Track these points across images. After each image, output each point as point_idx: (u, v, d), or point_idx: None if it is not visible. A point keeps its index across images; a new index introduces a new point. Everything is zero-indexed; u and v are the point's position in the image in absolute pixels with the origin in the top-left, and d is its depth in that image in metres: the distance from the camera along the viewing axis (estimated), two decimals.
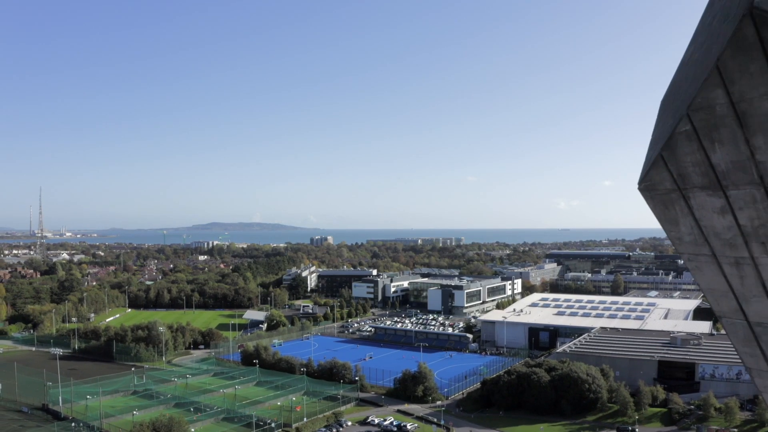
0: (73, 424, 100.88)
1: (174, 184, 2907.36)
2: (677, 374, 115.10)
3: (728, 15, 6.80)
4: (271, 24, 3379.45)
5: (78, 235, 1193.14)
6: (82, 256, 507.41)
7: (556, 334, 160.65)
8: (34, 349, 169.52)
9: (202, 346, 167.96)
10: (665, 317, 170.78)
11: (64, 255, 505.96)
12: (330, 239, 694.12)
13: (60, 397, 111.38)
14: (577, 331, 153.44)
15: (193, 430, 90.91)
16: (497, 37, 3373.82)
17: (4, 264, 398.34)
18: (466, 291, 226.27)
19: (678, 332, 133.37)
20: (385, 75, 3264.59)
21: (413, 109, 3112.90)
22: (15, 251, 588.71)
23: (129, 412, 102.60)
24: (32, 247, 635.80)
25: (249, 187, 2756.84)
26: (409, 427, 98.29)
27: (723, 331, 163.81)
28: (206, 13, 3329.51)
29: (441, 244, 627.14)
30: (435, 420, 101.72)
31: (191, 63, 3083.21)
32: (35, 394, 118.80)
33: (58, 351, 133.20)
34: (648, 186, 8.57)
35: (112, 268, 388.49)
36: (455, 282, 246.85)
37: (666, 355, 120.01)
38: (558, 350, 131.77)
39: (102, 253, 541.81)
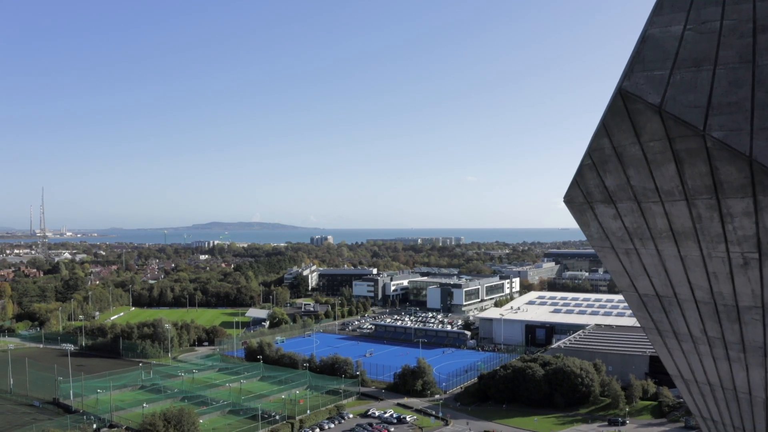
0: (84, 417, 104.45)
1: (174, 184, 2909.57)
2: (665, 369, 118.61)
3: (617, 88, 10.71)
4: (272, 24, 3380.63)
5: (78, 235, 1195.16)
6: (84, 255, 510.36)
7: (552, 331, 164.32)
8: (41, 346, 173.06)
9: (206, 343, 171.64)
10: None
11: (66, 254, 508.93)
12: (330, 239, 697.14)
13: (71, 392, 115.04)
14: (573, 328, 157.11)
15: (201, 421, 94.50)
16: (498, 37, 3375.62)
17: (6, 263, 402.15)
18: (464, 289, 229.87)
19: None
20: (385, 75, 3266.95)
21: (413, 109, 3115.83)
22: (16, 251, 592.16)
23: (138, 405, 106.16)
24: (33, 247, 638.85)
25: (249, 186, 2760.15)
26: (408, 419, 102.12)
27: None
28: (206, 14, 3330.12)
29: (441, 244, 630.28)
30: (433, 413, 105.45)
31: (191, 63, 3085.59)
32: (46, 388, 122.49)
33: (70, 347, 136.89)
34: (569, 200, 12.49)
35: (114, 267, 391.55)
36: (454, 281, 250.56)
37: None
38: (553, 346, 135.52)
39: (103, 253, 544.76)
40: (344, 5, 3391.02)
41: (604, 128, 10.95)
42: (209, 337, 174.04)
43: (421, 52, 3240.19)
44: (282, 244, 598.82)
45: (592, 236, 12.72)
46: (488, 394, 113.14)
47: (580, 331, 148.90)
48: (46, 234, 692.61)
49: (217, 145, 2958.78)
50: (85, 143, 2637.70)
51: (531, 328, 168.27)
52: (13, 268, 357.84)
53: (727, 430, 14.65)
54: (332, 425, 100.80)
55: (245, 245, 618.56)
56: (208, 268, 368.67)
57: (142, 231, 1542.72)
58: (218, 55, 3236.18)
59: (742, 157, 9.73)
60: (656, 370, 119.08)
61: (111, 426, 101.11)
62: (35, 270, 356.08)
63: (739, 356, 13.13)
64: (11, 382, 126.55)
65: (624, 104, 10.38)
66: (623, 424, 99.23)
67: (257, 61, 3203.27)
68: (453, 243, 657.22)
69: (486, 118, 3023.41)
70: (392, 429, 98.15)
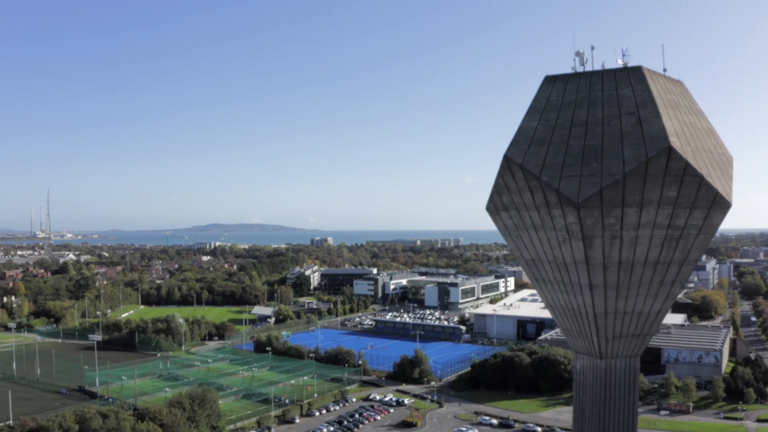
0: (110, 401, 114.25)
1: (174, 185, 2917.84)
2: (645, 358, 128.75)
3: (504, 155, 21.53)
4: (272, 25, 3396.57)
5: (79, 237, 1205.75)
6: (88, 256, 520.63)
7: (542, 325, 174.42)
8: (60, 341, 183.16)
9: (216, 338, 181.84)
10: None
11: (71, 255, 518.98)
12: (330, 240, 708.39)
13: (97, 379, 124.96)
14: None
15: (220, 402, 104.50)
16: (498, 38, 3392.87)
17: (13, 264, 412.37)
18: (461, 288, 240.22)
19: None
20: (384, 77, 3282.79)
21: (413, 111, 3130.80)
22: (20, 252, 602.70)
23: (159, 391, 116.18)
24: (36, 248, 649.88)
25: (249, 188, 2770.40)
26: (406, 401, 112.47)
27: (693, 322, 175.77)
28: (207, 14, 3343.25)
29: (439, 245, 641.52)
30: (429, 397, 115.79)
31: (191, 64, 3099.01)
32: (71, 377, 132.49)
33: (97, 338, 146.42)
34: (488, 209, 23.10)
35: (119, 267, 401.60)
36: (451, 280, 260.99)
37: None
38: (541, 338, 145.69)
39: (106, 254, 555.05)
40: (344, 6, 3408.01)
41: (500, 174, 21.46)
42: (219, 332, 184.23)
43: (421, 53, 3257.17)
44: (283, 246, 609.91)
45: (500, 229, 23.15)
46: (480, 381, 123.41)
47: None
48: (49, 235, 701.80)
49: (217, 146, 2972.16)
50: (85, 145, 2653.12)
51: (522, 323, 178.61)
52: (21, 269, 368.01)
53: (574, 335, 24.76)
54: (337, 407, 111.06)
55: (246, 246, 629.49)
56: (212, 269, 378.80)
57: (142, 232, 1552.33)
58: (218, 56, 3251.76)
59: (555, 190, 19.98)
60: None
61: (135, 409, 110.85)
62: (43, 270, 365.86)
63: (571, 290, 23.34)
64: (38, 372, 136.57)
65: (507, 163, 20.78)
66: None
67: (257, 62, 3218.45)
68: (452, 244, 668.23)
69: (485, 120, 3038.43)
70: (391, 410, 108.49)
